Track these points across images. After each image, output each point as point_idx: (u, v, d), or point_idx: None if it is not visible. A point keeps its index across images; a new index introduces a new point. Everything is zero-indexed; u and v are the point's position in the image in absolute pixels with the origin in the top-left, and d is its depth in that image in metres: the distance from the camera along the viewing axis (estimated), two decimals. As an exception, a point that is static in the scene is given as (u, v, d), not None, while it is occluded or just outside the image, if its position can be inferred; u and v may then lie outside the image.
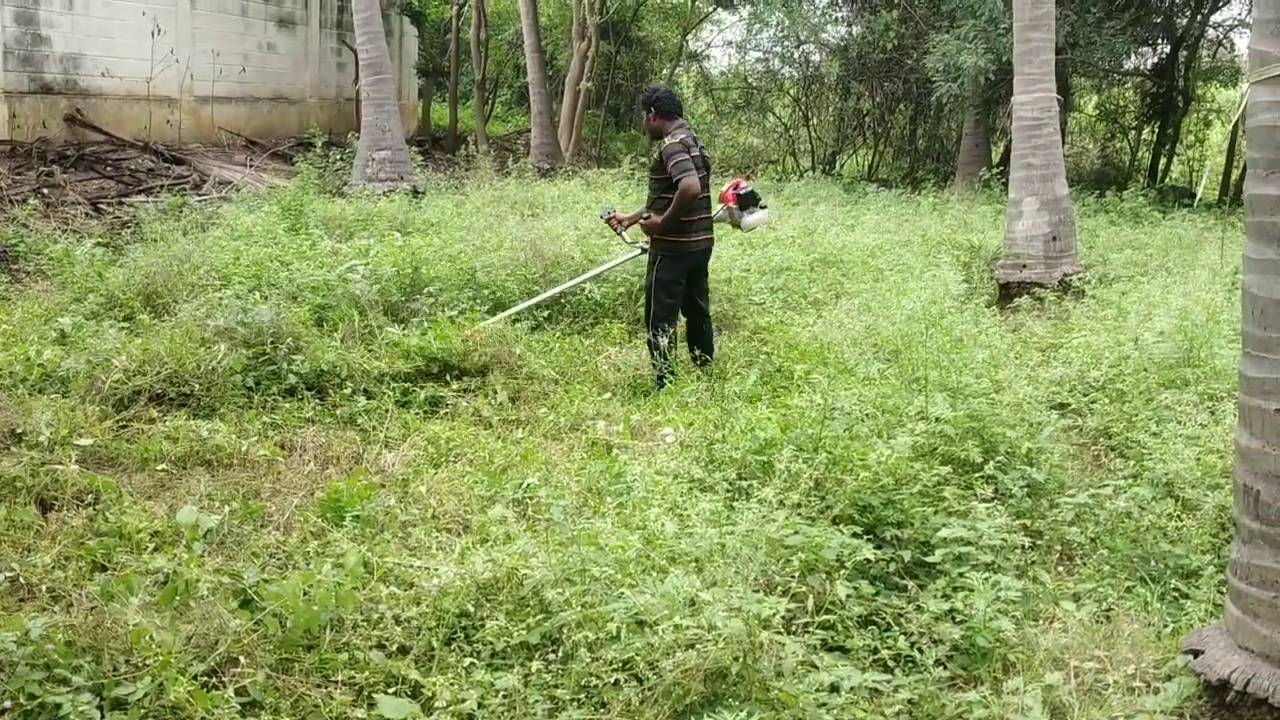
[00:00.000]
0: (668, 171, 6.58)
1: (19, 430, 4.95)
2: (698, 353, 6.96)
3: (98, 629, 3.25)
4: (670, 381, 6.57)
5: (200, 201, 11.81)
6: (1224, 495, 4.47)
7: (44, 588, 3.70)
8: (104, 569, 3.87)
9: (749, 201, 6.92)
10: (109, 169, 13.51)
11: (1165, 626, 3.79)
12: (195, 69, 16.25)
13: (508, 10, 24.24)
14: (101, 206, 11.73)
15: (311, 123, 17.54)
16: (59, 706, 2.94)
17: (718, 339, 7.32)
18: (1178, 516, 4.49)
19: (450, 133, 21.02)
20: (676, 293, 6.83)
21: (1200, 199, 17.81)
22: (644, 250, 7.09)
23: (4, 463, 4.60)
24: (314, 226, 9.95)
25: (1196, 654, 3.35)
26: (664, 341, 6.68)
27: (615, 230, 7.27)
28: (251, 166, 15.31)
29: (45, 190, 11.85)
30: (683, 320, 7.07)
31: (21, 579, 3.73)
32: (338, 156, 14.04)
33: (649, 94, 6.93)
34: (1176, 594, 4.07)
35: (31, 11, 13.85)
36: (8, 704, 2.93)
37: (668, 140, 6.63)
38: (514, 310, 7.37)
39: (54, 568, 3.83)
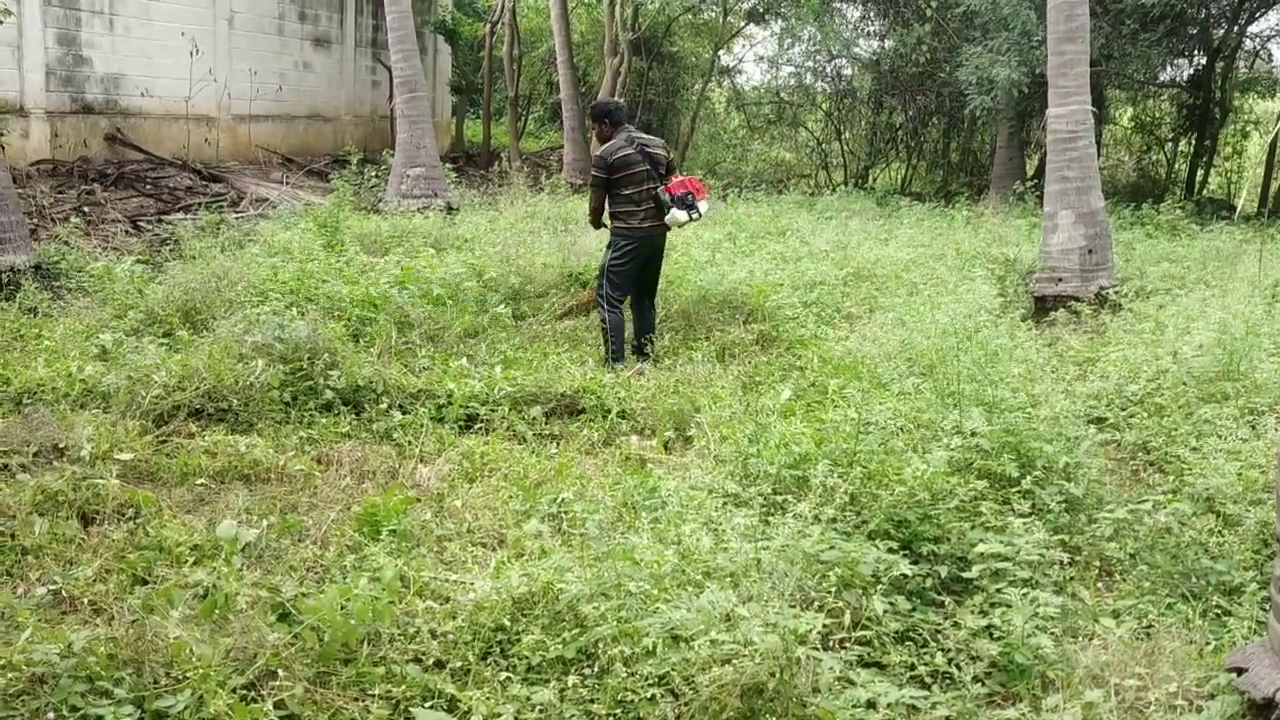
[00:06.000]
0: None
1: (61, 445, 5.03)
2: (641, 340, 7.55)
3: (139, 642, 3.29)
4: (621, 365, 7.12)
5: (238, 219, 11.94)
6: (1266, 510, 4.41)
7: (86, 600, 3.75)
8: (144, 582, 3.91)
9: (680, 203, 7.51)
10: (148, 187, 13.70)
11: (1207, 644, 3.74)
12: (233, 88, 16.46)
13: (540, 27, 24.38)
14: (141, 224, 11.89)
15: (347, 140, 17.72)
16: (101, 718, 2.98)
17: (658, 337, 7.79)
18: (1219, 532, 4.43)
19: (484, 149, 21.15)
20: (625, 273, 7.48)
21: (1240, 211, 17.61)
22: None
23: (47, 477, 4.67)
24: (350, 243, 10.05)
25: (1240, 672, 3.30)
26: (614, 317, 7.34)
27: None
28: (288, 184, 15.47)
29: (86, 208, 12.03)
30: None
31: (64, 592, 3.79)
32: (373, 173, 14.16)
33: (600, 107, 7.72)
34: (1218, 611, 4.01)
35: (73, 33, 14.08)
36: (51, 715, 2.97)
37: (600, 150, 7.44)
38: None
39: (95, 581, 3.88)
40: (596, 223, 7.67)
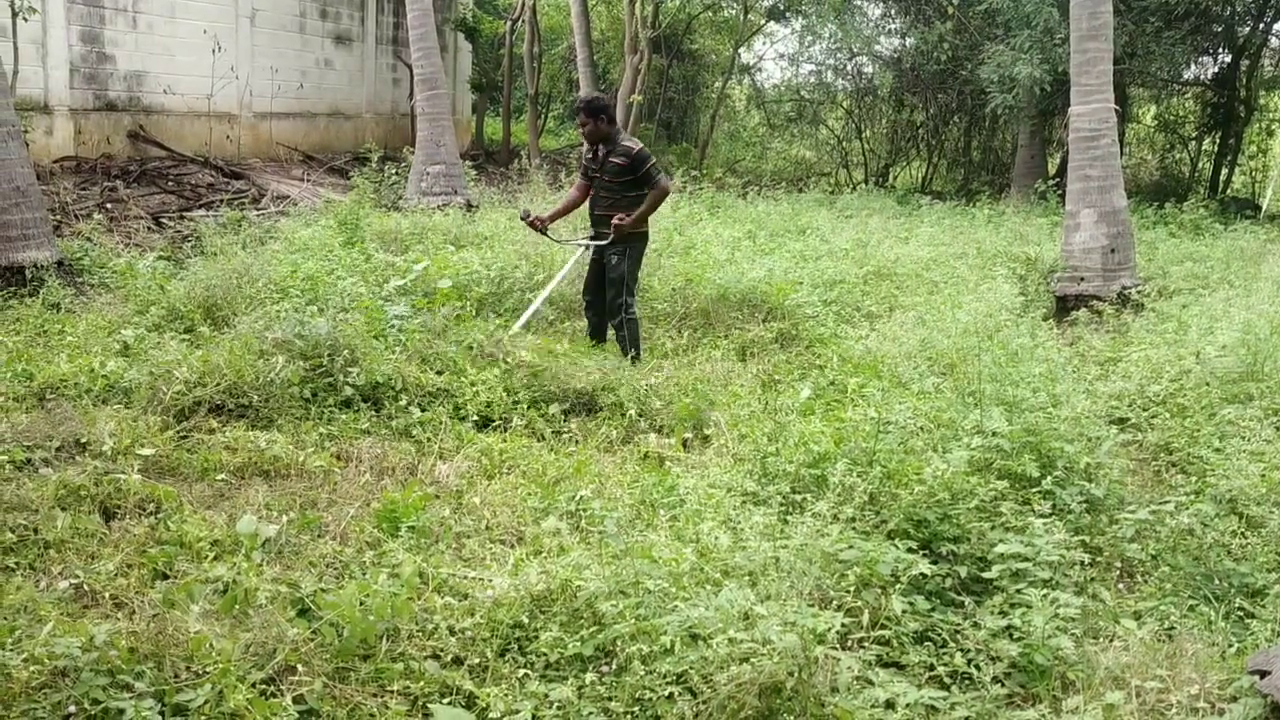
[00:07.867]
0: (640, 173, 7.17)
1: (84, 440, 5.06)
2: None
3: (159, 636, 3.31)
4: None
5: (259, 216, 11.98)
6: (1290, 512, 4.38)
7: (107, 595, 3.77)
8: (165, 577, 3.93)
9: None
10: (170, 184, 13.77)
11: (1230, 646, 3.71)
12: (254, 85, 16.53)
13: (561, 25, 24.40)
14: (163, 221, 11.94)
15: (367, 138, 17.75)
16: (122, 712, 2.99)
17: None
18: (1242, 534, 4.40)
19: (503, 147, 21.18)
20: (638, 275, 7.59)
21: (1265, 210, 17.48)
22: (592, 239, 7.49)
23: (69, 472, 4.70)
24: (369, 240, 10.08)
25: (1263, 674, 3.28)
26: (635, 323, 7.29)
27: (539, 230, 7.64)
28: (308, 181, 15.53)
29: (109, 205, 12.10)
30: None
31: (86, 586, 3.81)
32: (393, 171, 14.19)
33: (598, 102, 7.36)
34: (1241, 613, 3.99)
35: (97, 31, 14.17)
36: (73, 709, 2.99)
37: (634, 145, 7.22)
38: (524, 318, 7.57)
39: (117, 575, 3.90)
40: (648, 214, 7.32)
